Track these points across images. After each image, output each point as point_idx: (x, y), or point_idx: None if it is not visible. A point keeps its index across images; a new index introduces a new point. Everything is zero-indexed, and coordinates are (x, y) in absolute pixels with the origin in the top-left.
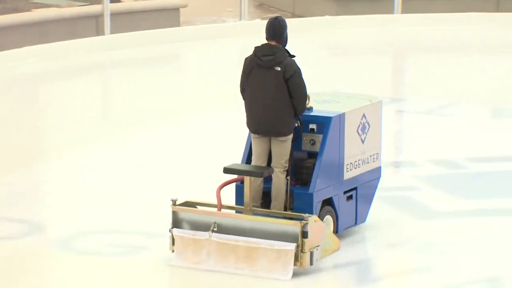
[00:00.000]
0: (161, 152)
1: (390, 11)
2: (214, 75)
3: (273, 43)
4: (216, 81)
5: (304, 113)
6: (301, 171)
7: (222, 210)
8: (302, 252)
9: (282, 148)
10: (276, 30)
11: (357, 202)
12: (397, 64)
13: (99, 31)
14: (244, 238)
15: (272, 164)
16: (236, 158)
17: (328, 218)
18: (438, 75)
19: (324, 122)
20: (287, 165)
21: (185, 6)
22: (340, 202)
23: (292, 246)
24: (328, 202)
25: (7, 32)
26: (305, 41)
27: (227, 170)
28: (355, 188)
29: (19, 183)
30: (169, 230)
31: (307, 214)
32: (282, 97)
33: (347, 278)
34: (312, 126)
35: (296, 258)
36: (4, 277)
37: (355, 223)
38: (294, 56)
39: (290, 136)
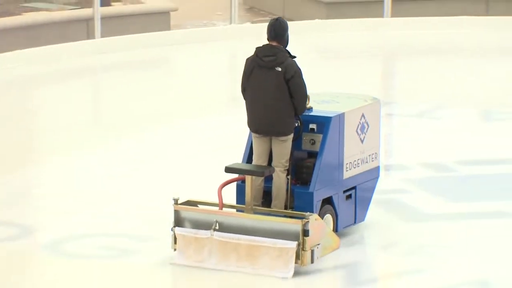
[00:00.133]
0: (154, 155)
1: (380, 14)
2: (204, 79)
3: (274, 43)
4: (207, 84)
5: (304, 113)
6: (301, 170)
7: (224, 209)
8: (303, 250)
9: (283, 147)
10: (277, 31)
11: (356, 201)
12: (387, 68)
13: (89, 35)
14: (245, 237)
15: (273, 164)
16: (229, 160)
17: (328, 217)
18: (428, 78)
19: (324, 122)
20: (287, 164)
21: (175, 10)
22: (340, 201)
23: (293, 244)
24: (328, 201)
25: None
26: (295, 45)
27: (228, 169)
28: (354, 188)
29: (11, 186)
30: (171, 229)
31: (308, 213)
32: (283, 97)
33: (337, 281)
34: (312, 126)
35: (297, 256)
36: None
37: (354, 222)
38: (295, 57)
39: (291, 136)
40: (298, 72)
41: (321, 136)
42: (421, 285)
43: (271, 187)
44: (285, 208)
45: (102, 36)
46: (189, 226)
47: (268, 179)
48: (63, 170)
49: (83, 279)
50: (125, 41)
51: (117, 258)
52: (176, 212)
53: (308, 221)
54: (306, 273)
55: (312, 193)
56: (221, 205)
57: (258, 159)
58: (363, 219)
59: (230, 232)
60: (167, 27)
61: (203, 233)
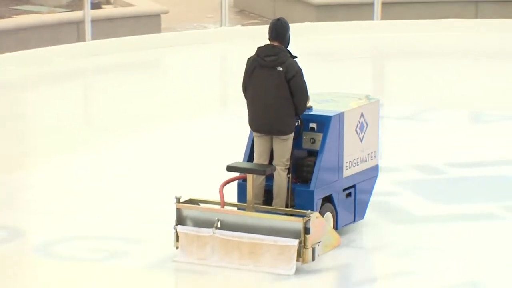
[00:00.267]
0: (147, 156)
1: (370, 17)
2: (196, 81)
3: (275, 43)
4: (198, 86)
5: (304, 112)
6: (301, 169)
7: (225, 207)
8: (305, 248)
9: (284, 146)
10: (279, 31)
11: (355, 199)
12: (377, 70)
13: (80, 38)
14: (247, 235)
15: (274, 162)
16: (224, 161)
17: (328, 215)
18: (418, 81)
19: (324, 121)
20: (288, 163)
21: (166, 13)
22: (340, 199)
23: (295, 242)
24: (328, 199)
25: None
26: None
27: (230, 168)
28: (353, 186)
29: (2, 189)
30: (173, 227)
31: (309, 211)
32: (284, 96)
33: (328, 283)
34: (312, 125)
35: (299, 254)
36: None
37: (354, 220)
38: (296, 57)
39: (292, 135)
40: (299, 72)
41: (321, 135)
42: (413, 287)
43: (272, 185)
44: (286, 206)
45: (93, 38)
46: (191, 224)
47: (269, 178)
48: (55, 172)
49: (75, 281)
50: (116, 43)
51: (109, 260)
52: (178, 211)
53: (309, 219)
54: (298, 275)
55: (312, 192)
56: (223, 204)
57: (259, 158)
58: (362, 217)
59: (232, 230)
60: (158, 30)
61: (205, 231)
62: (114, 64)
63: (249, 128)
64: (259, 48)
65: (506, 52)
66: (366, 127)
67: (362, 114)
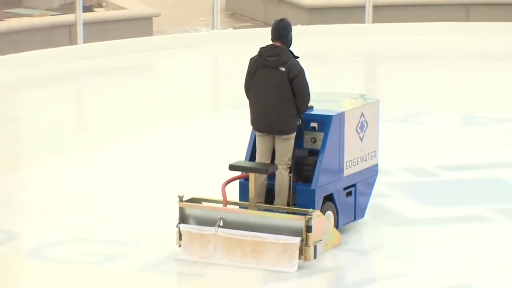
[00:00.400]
0: (140, 159)
1: (362, 20)
2: (188, 84)
3: (278, 44)
4: (190, 89)
5: (305, 112)
6: (302, 168)
7: (227, 206)
8: (307, 246)
9: (285, 145)
10: (281, 32)
11: (356, 198)
12: (369, 73)
13: (72, 41)
14: (250, 233)
15: (276, 162)
16: (216, 164)
17: (329, 214)
18: (410, 84)
19: (325, 121)
20: (290, 162)
21: (157, 16)
22: (340, 198)
23: (297, 240)
24: (329, 198)
25: None
26: None
27: (232, 167)
28: (354, 185)
29: None
30: (176, 225)
31: (311, 209)
32: (286, 96)
33: (322, 285)
34: (314, 124)
35: (301, 252)
36: None
37: (354, 219)
38: (298, 57)
39: (293, 134)
40: (301, 72)
41: (322, 134)
42: None
43: (273, 184)
44: (288, 205)
45: (85, 41)
46: (194, 223)
47: (271, 177)
48: (49, 175)
49: (68, 284)
50: (108, 46)
51: (103, 263)
52: (181, 209)
53: (311, 218)
54: (292, 277)
55: (314, 190)
56: (225, 202)
57: (262, 157)
58: (362, 216)
59: (234, 229)
60: (150, 33)
61: (208, 230)
62: (106, 67)
63: (242, 129)
64: (261, 48)
65: (497, 55)
66: (366, 127)
67: (362, 114)
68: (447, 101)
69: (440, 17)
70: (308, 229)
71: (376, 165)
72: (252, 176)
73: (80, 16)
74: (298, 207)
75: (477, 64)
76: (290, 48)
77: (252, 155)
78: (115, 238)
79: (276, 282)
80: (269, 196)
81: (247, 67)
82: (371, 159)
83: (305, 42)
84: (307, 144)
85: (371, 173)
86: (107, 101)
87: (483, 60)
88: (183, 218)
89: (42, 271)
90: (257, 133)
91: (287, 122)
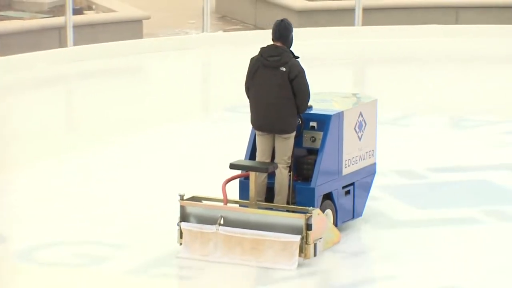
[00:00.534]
0: (131, 162)
1: (351, 23)
2: (178, 86)
3: (278, 44)
4: (180, 92)
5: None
6: (302, 167)
7: (228, 204)
8: (307, 244)
9: (285, 145)
10: (282, 32)
11: (354, 196)
12: (358, 76)
13: (62, 43)
14: (250, 231)
15: (276, 160)
16: (208, 166)
17: (328, 212)
18: (399, 86)
19: (324, 120)
20: (290, 161)
21: (147, 18)
22: (339, 196)
23: (297, 238)
24: (328, 196)
25: None
26: None
27: (233, 166)
28: (352, 184)
29: None
30: (177, 224)
31: (311, 208)
32: (286, 96)
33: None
34: (313, 124)
35: (301, 250)
36: None
37: (353, 217)
38: (298, 57)
39: (293, 134)
40: (301, 72)
41: (321, 133)
42: None
43: (273, 183)
44: (287, 203)
45: (75, 44)
46: (194, 221)
47: (271, 176)
48: (38, 177)
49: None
50: (98, 49)
51: (91, 266)
52: (182, 208)
53: (311, 216)
54: (278, 279)
55: (313, 189)
56: (226, 201)
57: (262, 156)
58: (360, 215)
59: (235, 227)
60: (140, 36)
61: (208, 228)
62: (96, 69)
63: (233, 132)
64: (262, 48)
65: (486, 58)
66: (365, 126)
67: (360, 113)
68: (436, 104)
69: (429, 20)
70: (308, 227)
71: (374, 164)
72: (252, 175)
73: (70, 19)
74: (298, 205)
75: (466, 66)
76: (291, 49)
77: (252, 154)
78: (106, 240)
79: (264, 285)
80: (269, 195)
81: (247, 67)
82: (369, 158)
83: (295, 45)
84: (307, 143)
85: (369, 172)
86: (98, 104)
87: (472, 63)
88: (184, 217)
89: (31, 273)
90: (257, 132)
91: (287, 121)
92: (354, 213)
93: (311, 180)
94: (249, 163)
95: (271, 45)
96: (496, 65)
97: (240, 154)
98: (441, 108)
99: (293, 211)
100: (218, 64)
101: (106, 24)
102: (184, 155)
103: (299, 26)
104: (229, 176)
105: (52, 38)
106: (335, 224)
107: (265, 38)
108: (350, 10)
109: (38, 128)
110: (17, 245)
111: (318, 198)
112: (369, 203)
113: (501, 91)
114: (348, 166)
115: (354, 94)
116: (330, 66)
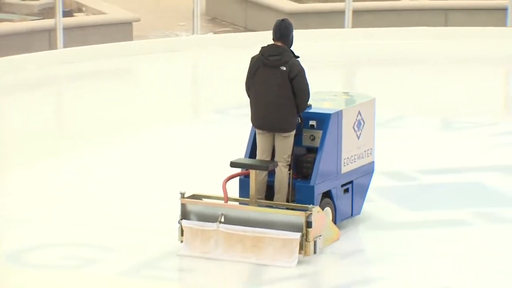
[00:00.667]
0: (130, 162)
1: (341, 25)
2: (168, 89)
3: (279, 44)
4: (170, 94)
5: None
6: (301, 165)
7: (228, 202)
8: (307, 241)
9: (285, 143)
10: (283, 32)
11: (353, 194)
12: (349, 78)
13: (52, 45)
14: (250, 229)
15: (276, 159)
16: (199, 168)
17: (328, 210)
18: (389, 88)
19: (323, 119)
20: (289, 159)
21: (138, 20)
22: (338, 194)
23: (297, 236)
24: (327, 194)
25: None
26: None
27: (233, 164)
28: (351, 182)
29: None
30: (178, 221)
31: (311, 205)
32: (286, 95)
33: None
34: (312, 122)
35: (301, 247)
36: None
37: (351, 215)
38: (298, 57)
39: (293, 132)
40: (302, 72)
41: (320, 132)
42: None
43: (273, 181)
44: (287, 201)
45: (65, 46)
46: (195, 219)
47: (271, 174)
48: (28, 180)
49: None
50: (88, 51)
51: (82, 268)
52: (183, 206)
53: (311, 213)
54: (276, 279)
55: (313, 187)
56: (226, 199)
57: (262, 154)
58: (359, 212)
59: (235, 225)
60: (130, 38)
61: (209, 225)
62: (86, 71)
63: (221, 135)
64: (263, 48)
65: (475, 60)
66: (363, 125)
67: (359, 112)
68: (426, 105)
69: (419, 22)
70: (308, 224)
71: (372, 162)
72: (252, 173)
73: (60, 21)
74: (297, 203)
75: (456, 68)
76: (291, 48)
77: (251, 153)
78: (96, 242)
79: (262, 285)
80: (269, 193)
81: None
82: (368, 156)
83: None
84: (306, 142)
85: (368, 170)
86: (88, 106)
87: (461, 65)
88: (185, 214)
89: (21, 276)
90: (257, 131)
91: (287, 120)
92: (353, 211)
93: (310, 178)
94: (249, 161)
95: (272, 44)
96: (485, 67)
97: (234, 155)
98: (431, 110)
99: (293, 209)
100: (208, 66)
101: (96, 26)
102: (180, 156)
103: None
104: (229, 175)
105: (42, 40)
106: (334, 222)
107: (255, 40)
108: (340, 12)
109: (28, 130)
110: (17, 245)
111: (317, 196)
112: None
113: (492, 92)
114: (347, 164)
115: (345, 93)
116: (320, 68)
